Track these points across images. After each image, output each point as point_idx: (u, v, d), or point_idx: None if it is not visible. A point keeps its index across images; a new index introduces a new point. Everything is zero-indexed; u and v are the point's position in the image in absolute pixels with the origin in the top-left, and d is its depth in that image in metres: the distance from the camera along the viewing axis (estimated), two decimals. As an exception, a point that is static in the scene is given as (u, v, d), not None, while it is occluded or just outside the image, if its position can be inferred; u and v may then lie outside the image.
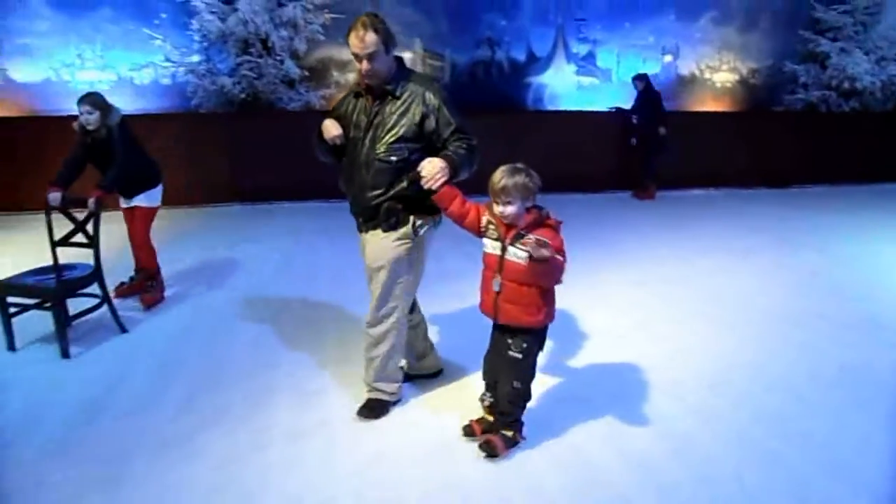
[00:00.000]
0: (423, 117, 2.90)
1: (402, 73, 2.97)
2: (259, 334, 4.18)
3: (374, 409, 3.15)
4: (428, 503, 2.50)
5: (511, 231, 2.64)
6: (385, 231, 2.99)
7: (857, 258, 6.12)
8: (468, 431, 2.96)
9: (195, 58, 8.87)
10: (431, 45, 9.69)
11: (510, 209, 2.59)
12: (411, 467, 2.73)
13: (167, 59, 8.95)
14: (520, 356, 2.76)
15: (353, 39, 2.82)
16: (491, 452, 2.80)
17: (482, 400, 2.98)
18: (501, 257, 2.67)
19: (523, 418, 2.89)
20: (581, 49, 10.17)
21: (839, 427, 3.09)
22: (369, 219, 3.03)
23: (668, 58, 10.52)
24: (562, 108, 10.08)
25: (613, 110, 9.47)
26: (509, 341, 2.77)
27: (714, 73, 10.86)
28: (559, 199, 8.90)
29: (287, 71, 8.65)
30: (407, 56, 9.62)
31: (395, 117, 2.91)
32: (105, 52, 9.00)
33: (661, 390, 3.45)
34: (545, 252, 2.48)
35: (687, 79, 10.69)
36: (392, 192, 2.94)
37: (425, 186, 2.73)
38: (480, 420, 2.99)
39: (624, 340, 4.12)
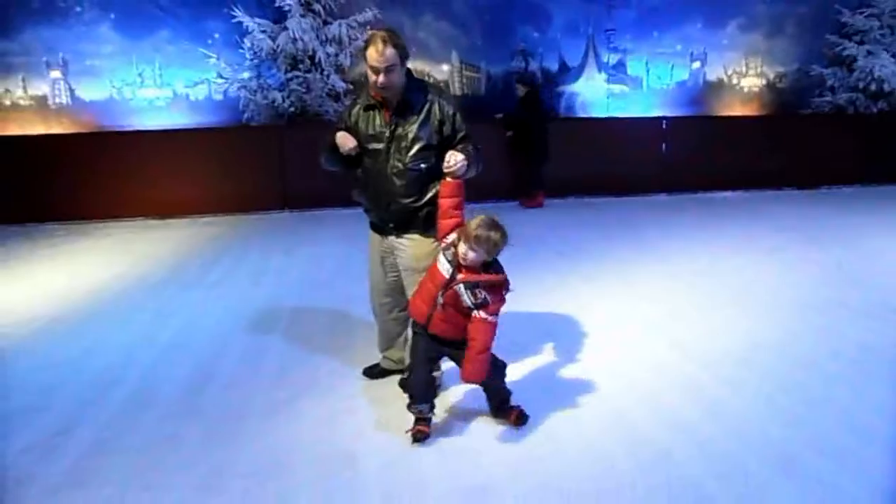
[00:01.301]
0: (441, 124, 3.19)
1: (414, 83, 3.22)
2: (332, 320, 4.69)
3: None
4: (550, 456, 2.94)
5: (467, 273, 2.89)
6: (424, 234, 3.29)
7: (882, 253, 6.42)
8: (418, 437, 3.03)
9: (246, 74, 9.46)
10: (468, 57, 10.17)
11: (472, 255, 2.84)
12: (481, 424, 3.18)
13: (220, 76, 9.55)
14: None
15: (372, 53, 3.04)
16: (526, 418, 3.15)
17: (420, 411, 3.08)
18: (449, 284, 2.91)
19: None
20: (611, 58, 10.57)
21: (858, 395, 3.46)
22: (404, 224, 3.28)
23: (696, 64, 10.87)
24: (593, 115, 10.48)
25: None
26: (446, 349, 3.06)
27: (741, 78, 11.16)
28: (596, 201, 9.32)
29: (333, 85, 9.20)
30: (445, 68, 10.14)
31: (415, 127, 3.16)
32: (163, 71, 9.65)
33: (695, 364, 3.87)
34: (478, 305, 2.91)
35: (715, 84, 11.02)
36: (427, 197, 3.21)
37: (445, 171, 3.03)
38: (423, 423, 3.08)
39: (657, 325, 4.53)
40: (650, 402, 3.42)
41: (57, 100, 9.42)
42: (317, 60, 9.14)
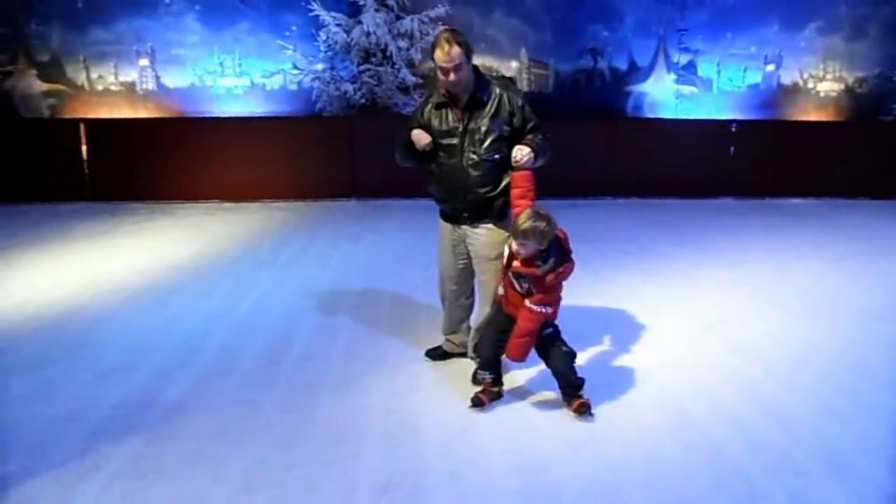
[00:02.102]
0: (511, 115, 3.36)
1: (482, 79, 3.38)
2: (397, 304, 4.91)
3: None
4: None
5: (520, 264, 3.09)
6: (497, 224, 3.49)
7: (957, 267, 6.22)
8: (476, 402, 3.30)
9: (320, 66, 9.79)
10: (536, 55, 10.24)
11: (523, 250, 3.04)
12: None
13: (295, 67, 9.92)
14: (552, 330, 3.26)
15: (438, 54, 3.21)
16: (587, 411, 3.24)
17: (482, 379, 3.37)
18: (506, 272, 3.19)
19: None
20: (682, 59, 10.45)
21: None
22: (479, 213, 3.45)
23: (771, 67, 10.63)
24: (660, 116, 10.40)
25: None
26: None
27: (818, 82, 10.86)
28: (661, 203, 9.27)
29: (403, 78, 9.44)
30: (513, 65, 10.24)
31: (487, 120, 3.33)
32: (242, 61, 10.08)
33: (752, 364, 3.91)
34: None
35: (789, 88, 10.75)
36: (501, 187, 3.39)
37: (514, 164, 3.24)
38: (485, 392, 3.36)
39: (717, 325, 4.56)
40: (705, 397, 3.49)
41: (144, 86, 9.97)
42: (388, 54, 9.38)
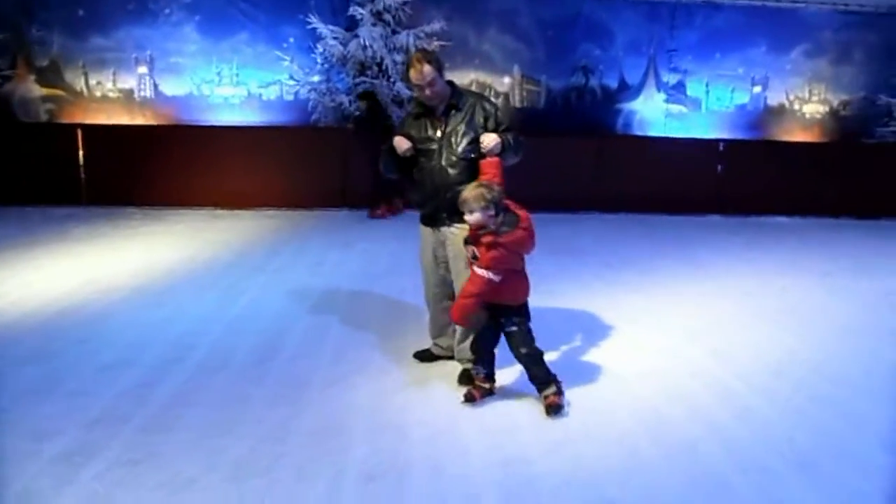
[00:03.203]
0: (485, 119, 3.62)
1: (456, 90, 3.68)
2: (386, 309, 5.03)
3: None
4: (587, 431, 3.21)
5: (470, 231, 3.34)
6: None
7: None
8: (469, 398, 3.46)
9: (316, 77, 9.96)
10: (529, 71, 10.47)
11: (472, 218, 3.25)
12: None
13: (292, 78, 10.10)
14: (515, 328, 3.37)
15: (413, 74, 3.53)
16: (556, 410, 3.34)
17: (476, 374, 3.54)
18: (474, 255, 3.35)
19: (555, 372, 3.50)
20: (671, 78, 10.70)
21: (887, 409, 3.58)
22: (457, 211, 3.47)
23: (758, 88, 10.90)
24: (650, 133, 10.62)
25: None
26: (502, 320, 3.39)
27: (804, 104, 11.13)
28: (648, 218, 9.45)
29: (398, 91, 9.61)
30: (506, 81, 10.45)
31: (464, 125, 3.60)
32: (240, 71, 10.25)
33: (731, 372, 4.04)
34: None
35: (775, 109, 11.02)
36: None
37: (482, 149, 3.51)
38: (477, 388, 3.51)
39: (698, 334, 4.69)
40: (683, 403, 3.62)
41: (142, 93, 10.13)
42: (384, 67, 9.56)
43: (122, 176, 9.16)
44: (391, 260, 6.59)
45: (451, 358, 3.95)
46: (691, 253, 7.41)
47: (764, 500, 2.76)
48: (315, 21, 9.43)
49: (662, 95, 10.74)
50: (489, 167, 3.50)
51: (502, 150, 3.57)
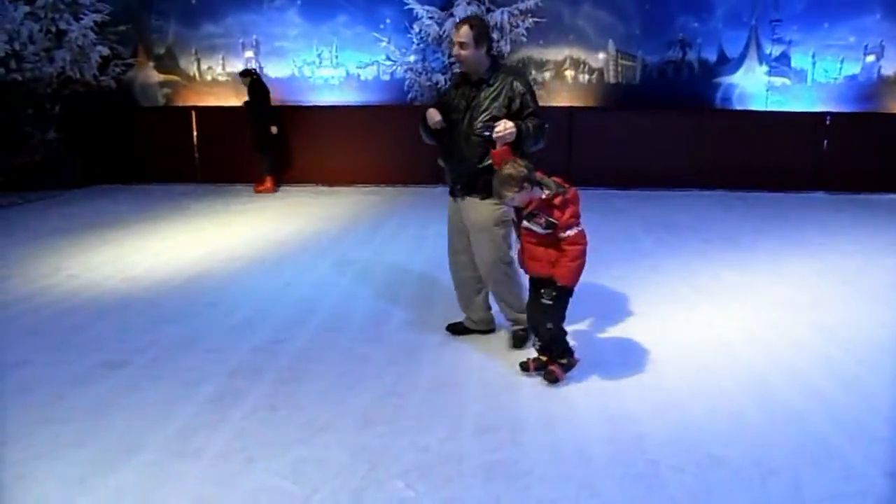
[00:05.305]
0: (510, 100, 3.58)
1: (495, 66, 3.68)
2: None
3: (522, 339, 3.89)
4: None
5: (521, 211, 3.28)
6: (483, 198, 3.64)
7: None
8: (523, 367, 3.55)
9: (412, 57, 10.21)
10: (624, 46, 10.32)
11: (517, 199, 3.21)
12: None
13: (388, 58, 10.39)
14: (550, 302, 3.33)
15: (454, 30, 3.66)
16: (552, 379, 3.40)
17: (534, 343, 3.66)
18: (519, 225, 3.35)
19: (572, 345, 3.54)
20: (774, 50, 10.29)
21: None
22: (468, 186, 3.66)
23: (871, 58, 10.31)
24: (750, 107, 10.27)
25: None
26: (542, 291, 3.36)
27: (922, 73, 10.44)
28: (747, 195, 9.21)
29: (492, 70, 9.72)
30: (600, 56, 10.36)
31: (488, 101, 3.58)
32: (339, 53, 10.63)
33: (835, 346, 4.00)
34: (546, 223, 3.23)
35: (891, 79, 10.39)
36: (486, 162, 3.55)
37: (493, 136, 3.41)
38: (535, 359, 3.56)
39: (802, 310, 4.63)
40: (788, 372, 3.64)
41: (249, 76, 10.66)
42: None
43: (232, 155, 9.75)
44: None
45: (485, 332, 4.06)
46: (794, 231, 7.20)
47: (872, 467, 2.79)
48: (411, 2, 9.65)
49: (764, 68, 10.33)
50: (495, 156, 3.41)
51: (520, 139, 3.48)
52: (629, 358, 3.78)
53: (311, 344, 3.95)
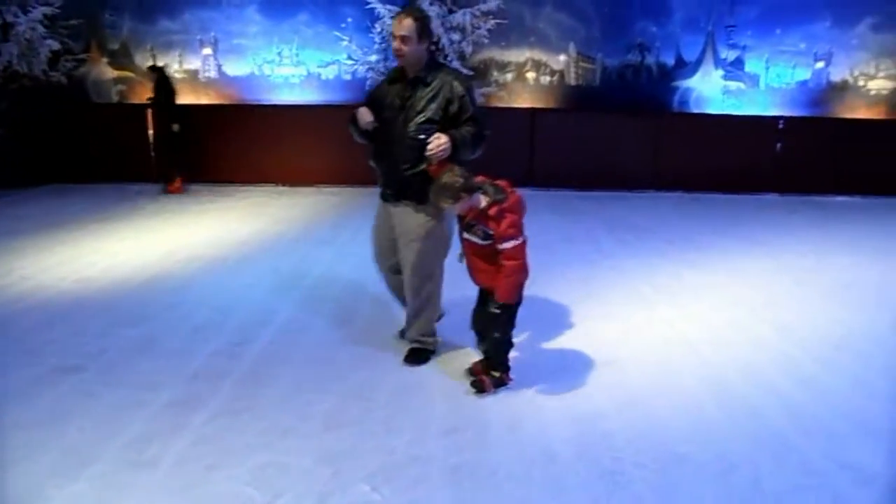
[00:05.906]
0: (448, 102, 3.32)
1: (433, 64, 3.46)
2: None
3: (418, 354, 3.71)
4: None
5: (463, 221, 3.21)
6: (416, 205, 3.41)
7: None
8: (471, 371, 3.48)
9: (374, 57, 10.14)
10: (584, 49, 10.44)
11: (458, 207, 3.11)
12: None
13: (350, 58, 10.31)
14: (498, 311, 3.20)
15: (394, 23, 3.35)
16: (479, 389, 3.33)
17: (479, 347, 3.58)
18: (461, 238, 3.28)
19: (511, 363, 3.42)
20: (730, 55, 10.53)
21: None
22: (401, 192, 3.44)
23: (820, 64, 10.63)
24: (707, 111, 10.48)
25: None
26: (490, 300, 3.25)
27: (869, 80, 10.81)
28: (704, 197, 9.40)
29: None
30: (561, 59, 10.45)
31: (424, 101, 3.32)
32: (299, 51, 10.51)
33: (792, 344, 4.11)
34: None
35: (839, 85, 10.73)
36: (420, 168, 3.32)
37: (426, 154, 3.21)
38: (480, 361, 3.50)
39: (760, 309, 4.75)
40: (747, 370, 3.72)
41: (206, 74, 10.47)
42: (440, 46, 9.67)
43: (188, 154, 9.54)
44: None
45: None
46: (750, 231, 7.37)
47: (829, 461, 2.86)
48: (373, 1, 9.59)
49: (720, 72, 10.57)
50: (432, 172, 3.25)
51: (455, 149, 3.25)
52: (592, 358, 3.81)
53: (274, 346, 3.89)
